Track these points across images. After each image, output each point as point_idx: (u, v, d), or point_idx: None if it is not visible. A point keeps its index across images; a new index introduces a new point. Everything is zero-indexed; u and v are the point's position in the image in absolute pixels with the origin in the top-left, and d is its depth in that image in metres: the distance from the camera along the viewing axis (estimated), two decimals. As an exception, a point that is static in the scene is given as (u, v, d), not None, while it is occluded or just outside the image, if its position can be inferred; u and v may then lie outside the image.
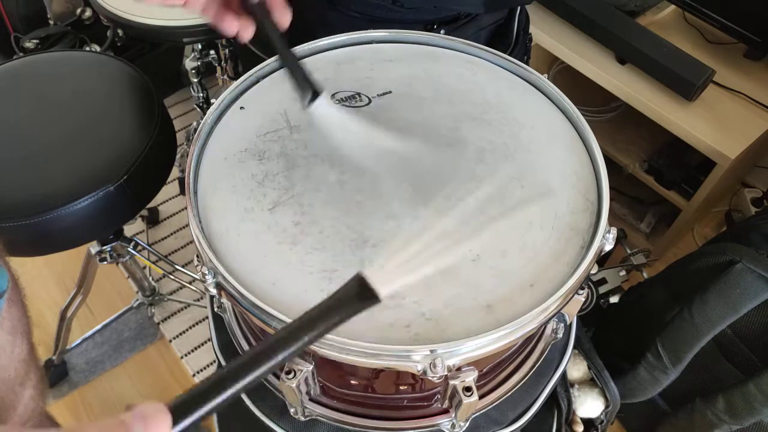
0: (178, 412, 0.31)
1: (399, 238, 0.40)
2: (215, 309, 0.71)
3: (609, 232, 0.54)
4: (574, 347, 0.73)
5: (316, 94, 0.54)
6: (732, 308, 0.89)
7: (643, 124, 1.38)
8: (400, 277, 0.39)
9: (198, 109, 1.39)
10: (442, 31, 0.82)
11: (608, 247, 0.54)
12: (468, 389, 0.51)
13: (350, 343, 0.46)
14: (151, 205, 1.38)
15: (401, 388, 0.58)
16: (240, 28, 0.53)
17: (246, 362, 0.34)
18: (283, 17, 0.53)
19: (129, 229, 1.53)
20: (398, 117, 0.64)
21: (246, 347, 0.67)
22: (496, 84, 0.68)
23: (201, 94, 1.34)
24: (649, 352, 1.00)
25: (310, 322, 0.37)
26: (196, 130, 0.62)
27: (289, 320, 0.47)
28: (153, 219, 1.63)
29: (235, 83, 0.66)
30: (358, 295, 0.39)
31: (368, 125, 0.57)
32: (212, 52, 1.32)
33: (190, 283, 1.43)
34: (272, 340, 0.36)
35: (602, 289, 1.23)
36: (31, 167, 0.83)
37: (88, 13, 1.57)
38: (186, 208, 0.59)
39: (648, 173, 1.47)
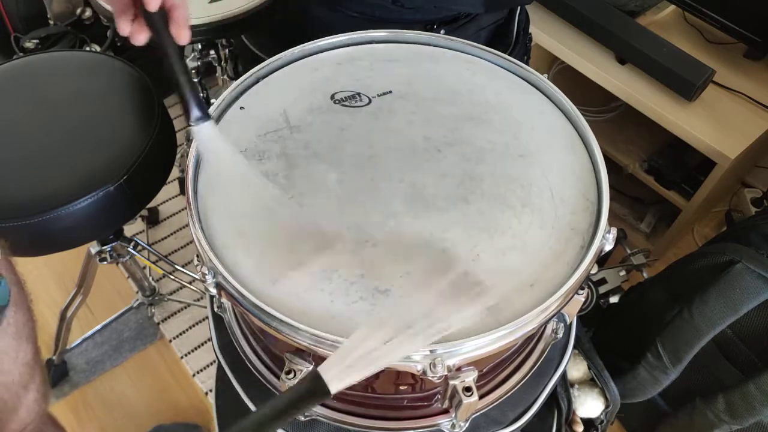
0: None
1: (357, 333, 0.43)
2: (215, 309, 0.71)
3: (609, 232, 0.54)
4: (574, 347, 0.73)
5: (206, 116, 0.54)
6: (732, 308, 0.89)
7: (643, 124, 1.37)
8: (351, 374, 0.42)
9: (198, 109, 1.38)
10: (442, 31, 0.82)
11: (608, 247, 0.54)
12: (468, 389, 0.52)
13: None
14: (151, 205, 1.38)
15: (401, 388, 0.58)
16: (132, 32, 0.52)
17: None
18: (181, 33, 0.53)
19: (129, 229, 1.53)
20: (398, 117, 0.64)
21: (246, 347, 0.67)
22: (496, 84, 0.68)
23: (201, 94, 1.34)
24: (649, 352, 1.00)
25: (267, 418, 0.42)
26: (196, 130, 0.62)
27: (289, 320, 0.47)
28: (153, 219, 1.62)
29: (235, 83, 0.66)
30: (313, 390, 0.42)
31: (242, 162, 0.57)
32: (212, 52, 1.31)
33: (190, 283, 1.43)
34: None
35: (602, 289, 1.23)
36: (31, 167, 0.83)
37: (88, 13, 1.57)
38: (186, 208, 0.59)
39: (648, 173, 1.47)
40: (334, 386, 0.42)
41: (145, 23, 0.52)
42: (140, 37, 0.53)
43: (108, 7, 0.51)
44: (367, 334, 0.42)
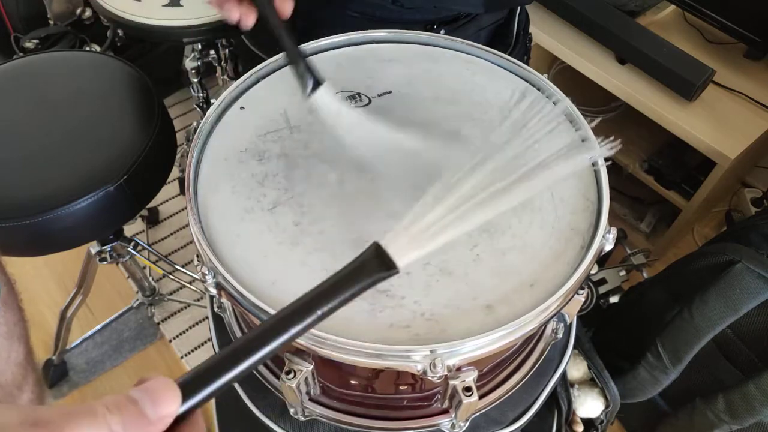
0: (188, 387, 0.29)
1: (412, 209, 0.39)
2: (215, 309, 0.71)
3: (609, 232, 0.54)
4: (574, 347, 0.73)
5: (317, 84, 0.54)
6: (732, 308, 0.89)
7: (643, 124, 1.37)
8: (416, 247, 0.38)
9: (198, 109, 1.39)
10: (442, 31, 0.82)
11: (608, 247, 0.54)
12: (468, 389, 0.51)
13: (350, 343, 0.45)
14: (151, 205, 1.38)
15: (401, 388, 0.58)
16: (241, 15, 0.53)
17: (259, 335, 0.32)
18: (285, 5, 0.53)
19: (129, 229, 1.53)
20: (398, 117, 0.64)
21: (246, 347, 0.67)
22: (496, 84, 0.68)
23: (201, 94, 1.33)
24: (649, 352, 1.00)
25: (324, 294, 0.35)
26: (196, 130, 0.62)
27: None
28: (153, 219, 1.63)
29: (235, 83, 0.66)
30: (376, 265, 0.37)
31: (369, 118, 0.56)
32: (212, 52, 1.32)
33: (190, 283, 1.43)
34: (286, 312, 0.33)
35: (602, 289, 1.23)
36: (31, 167, 0.83)
37: (88, 13, 1.57)
38: (186, 208, 0.59)
39: (648, 173, 1.47)
40: (401, 259, 0.37)
41: (252, 3, 0.53)
42: (250, 18, 0.53)
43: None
44: (425, 208, 0.39)
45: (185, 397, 0.29)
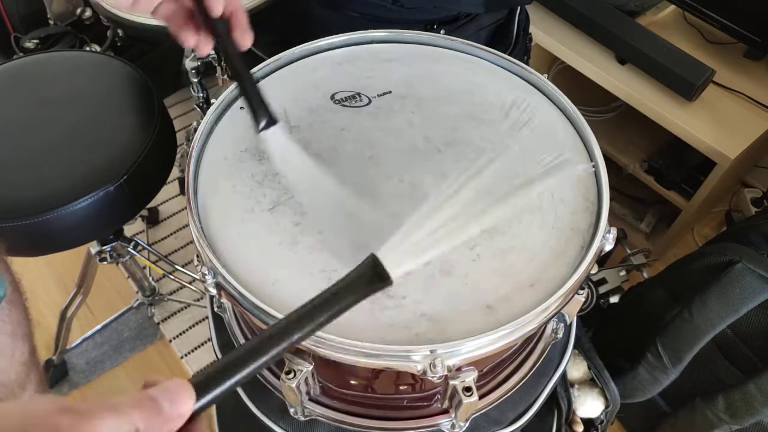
0: (201, 387, 0.31)
1: (408, 221, 0.41)
2: (215, 309, 0.71)
3: (609, 232, 0.54)
4: (574, 347, 0.73)
5: (272, 122, 0.53)
6: (732, 308, 0.89)
7: (643, 124, 1.37)
8: (411, 258, 0.39)
9: (198, 109, 1.38)
10: (442, 31, 0.82)
11: (608, 247, 0.54)
12: (468, 389, 0.51)
13: (350, 343, 0.46)
14: (151, 205, 1.38)
15: (401, 388, 0.58)
16: (198, 43, 0.52)
17: (268, 337, 0.35)
18: (244, 38, 0.52)
19: (129, 229, 1.52)
20: (398, 117, 0.64)
21: (246, 347, 0.67)
22: (496, 84, 0.68)
23: (201, 94, 1.33)
24: (649, 352, 1.00)
25: (326, 302, 0.38)
26: (196, 130, 0.62)
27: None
28: (153, 219, 1.62)
29: (235, 83, 0.66)
30: (371, 276, 0.39)
31: (316, 166, 0.55)
32: (212, 52, 1.31)
33: (190, 283, 1.43)
34: (291, 319, 0.36)
35: (602, 289, 1.23)
36: (31, 167, 0.83)
37: (88, 13, 1.57)
38: (186, 208, 0.59)
39: (648, 173, 1.46)
40: (396, 270, 0.39)
41: (210, 32, 0.52)
42: (207, 47, 0.52)
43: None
44: (420, 220, 0.40)
45: (199, 396, 0.31)
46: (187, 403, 0.30)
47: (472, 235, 0.41)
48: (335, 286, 0.39)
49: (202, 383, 0.31)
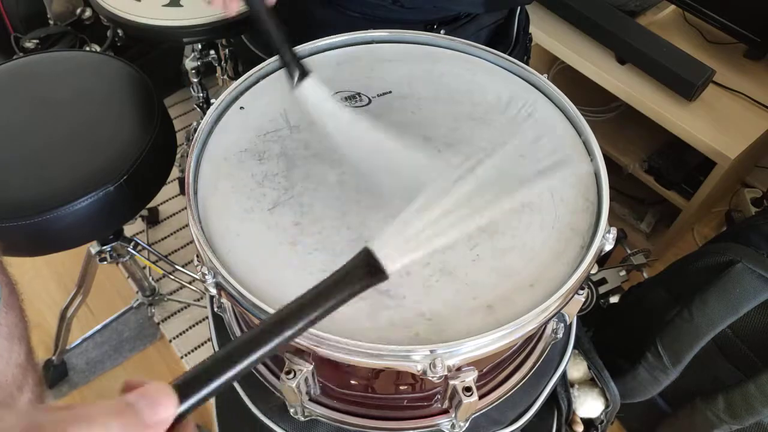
0: (184, 390, 0.29)
1: (404, 213, 0.39)
2: (215, 309, 0.71)
3: (609, 232, 0.54)
4: (574, 347, 0.73)
5: (304, 74, 0.53)
6: (732, 308, 0.89)
7: (643, 124, 1.37)
8: (407, 252, 0.38)
9: (198, 109, 1.39)
10: (442, 31, 0.82)
11: (608, 247, 0.54)
12: (468, 389, 0.51)
13: (350, 343, 0.45)
14: (151, 205, 1.37)
15: (401, 388, 0.58)
16: (227, 1, 0.52)
17: (253, 338, 0.33)
18: None
19: (129, 229, 1.52)
20: (398, 117, 0.64)
21: (246, 347, 0.67)
22: (496, 84, 0.68)
23: (201, 94, 1.33)
24: (649, 352, 1.00)
25: (316, 299, 0.36)
26: (196, 130, 0.62)
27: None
28: (153, 219, 1.62)
29: (235, 83, 0.66)
30: (366, 270, 0.37)
31: (358, 117, 0.55)
32: (212, 52, 1.31)
33: (190, 283, 1.43)
34: (280, 316, 0.34)
35: (602, 289, 1.22)
36: (31, 167, 0.83)
37: (88, 13, 1.57)
38: (186, 208, 0.59)
39: (648, 173, 1.47)
40: (391, 264, 0.37)
41: None
42: (234, 5, 0.53)
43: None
44: (415, 214, 0.39)
45: (181, 400, 0.29)
46: (167, 408, 0.28)
47: (470, 232, 0.40)
48: (325, 281, 0.37)
49: (186, 384, 0.30)
